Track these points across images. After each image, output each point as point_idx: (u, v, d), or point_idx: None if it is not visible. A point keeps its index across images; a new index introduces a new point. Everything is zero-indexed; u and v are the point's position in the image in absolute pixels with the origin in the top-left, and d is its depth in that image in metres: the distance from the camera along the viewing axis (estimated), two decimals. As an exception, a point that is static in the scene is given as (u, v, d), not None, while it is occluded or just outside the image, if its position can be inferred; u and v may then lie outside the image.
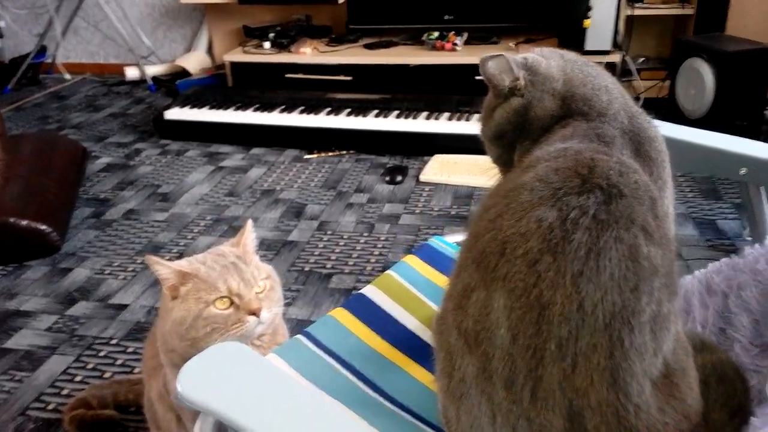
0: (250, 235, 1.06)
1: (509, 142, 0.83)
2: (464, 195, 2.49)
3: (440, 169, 2.64)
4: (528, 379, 0.61)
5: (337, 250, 2.15)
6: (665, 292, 0.63)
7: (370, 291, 1.00)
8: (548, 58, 0.82)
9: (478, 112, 2.97)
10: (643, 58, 3.54)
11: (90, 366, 1.68)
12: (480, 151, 2.95)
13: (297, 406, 0.56)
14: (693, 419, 0.64)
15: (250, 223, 1.07)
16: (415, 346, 0.91)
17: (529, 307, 0.61)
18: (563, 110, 0.78)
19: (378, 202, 2.47)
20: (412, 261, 1.07)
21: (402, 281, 1.03)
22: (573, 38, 3.20)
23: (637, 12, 3.31)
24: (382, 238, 2.21)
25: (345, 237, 2.23)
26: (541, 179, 0.66)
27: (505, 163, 0.85)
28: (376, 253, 2.12)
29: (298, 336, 0.91)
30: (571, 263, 0.60)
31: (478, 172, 2.54)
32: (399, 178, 2.61)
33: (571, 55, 0.83)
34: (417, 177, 2.65)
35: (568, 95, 0.77)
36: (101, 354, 1.72)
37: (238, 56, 3.61)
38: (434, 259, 1.08)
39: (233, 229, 2.34)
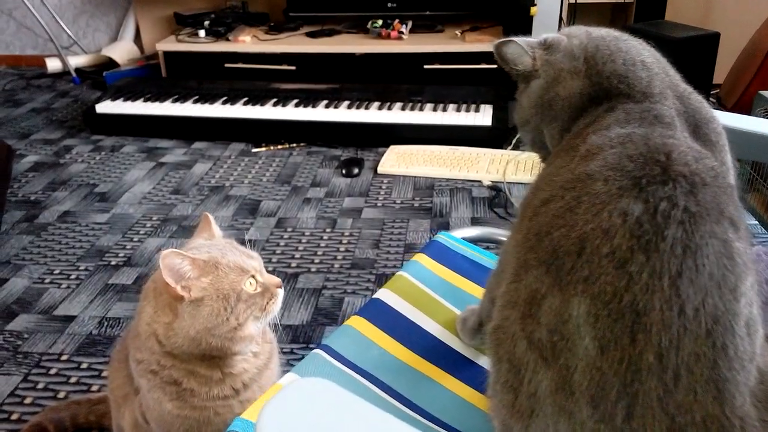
0: (216, 226, 1.02)
1: (535, 127, 0.79)
2: (425, 186, 2.42)
3: (397, 160, 2.56)
4: (622, 395, 0.54)
5: (300, 248, 2.04)
6: (753, 291, 0.58)
7: (384, 295, 0.91)
8: (572, 37, 0.77)
9: (430, 102, 2.92)
10: (584, 46, 3.57)
11: (40, 386, 1.51)
12: (436, 141, 2.88)
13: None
14: (788, 427, 0.59)
15: (209, 216, 1.02)
16: (443, 355, 0.84)
17: (620, 314, 0.54)
18: (595, 90, 0.73)
19: (337, 196, 2.37)
20: (423, 260, 0.99)
21: (416, 282, 0.94)
22: (519, 26, 3.18)
23: (581, 0, 3.33)
24: (347, 234, 2.12)
25: (307, 234, 2.13)
26: (614, 167, 0.60)
27: (540, 148, 0.81)
28: (342, 249, 2.03)
29: (317, 350, 0.81)
30: (667, 263, 0.54)
31: (436, 162, 2.50)
32: (356, 170, 2.52)
33: (601, 31, 0.77)
34: (374, 169, 2.56)
35: (594, 72, 0.73)
36: (52, 372, 1.56)
37: (171, 45, 3.41)
38: (445, 256, 1.00)
39: (183, 228, 2.19)
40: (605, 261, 0.55)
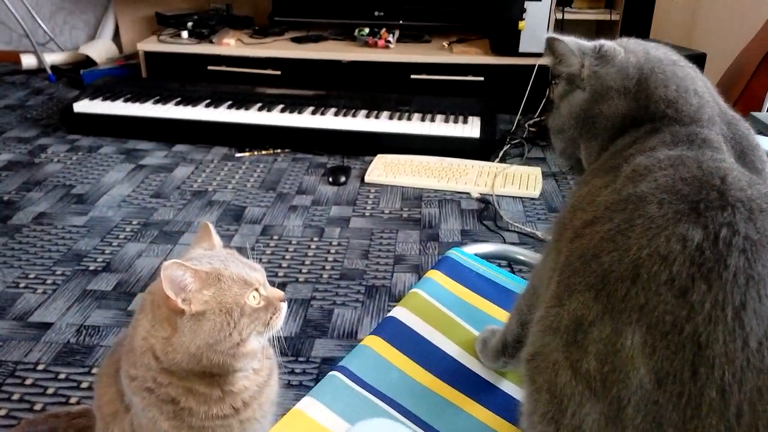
0: (216, 236, 0.96)
1: (570, 138, 0.76)
2: (413, 197, 2.39)
3: (385, 169, 2.52)
4: (680, 431, 0.51)
5: (287, 257, 1.99)
6: None
7: (400, 313, 0.87)
8: (629, 51, 0.73)
9: (417, 112, 2.88)
10: (569, 62, 3.57)
11: (15, 397, 1.44)
12: (424, 151, 2.84)
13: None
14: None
15: (210, 224, 0.96)
16: (463, 378, 0.80)
17: (681, 346, 0.51)
18: (639, 113, 0.70)
19: (324, 205, 2.33)
20: (437, 276, 0.96)
21: (432, 300, 0.91)
22: (506, 40, 3.17)
23: (567, 16, 3.34)
24: (335, 243, 2.07)
25: (294, 242, 2.07)
26: (668, 190, 0.57)
27: (569, 157, 0.78)
28: (330, 259, 1.98)
29: (334, 372, 0.77)
30: (731, 293, 0.51)
31: (424, 173, 2.47)
32: (342, 178, 2.47)
33: (659, 51, 0.74)
34: (361, 178, 2.51)
35: (642, 96, 0.70)
36: (27, 382, 1.48)
37: (153, 45, 3.34)
38: (459, 273, 0.97)
39: (164, 233, 2.12)
40: (664, 289, 0.53)
